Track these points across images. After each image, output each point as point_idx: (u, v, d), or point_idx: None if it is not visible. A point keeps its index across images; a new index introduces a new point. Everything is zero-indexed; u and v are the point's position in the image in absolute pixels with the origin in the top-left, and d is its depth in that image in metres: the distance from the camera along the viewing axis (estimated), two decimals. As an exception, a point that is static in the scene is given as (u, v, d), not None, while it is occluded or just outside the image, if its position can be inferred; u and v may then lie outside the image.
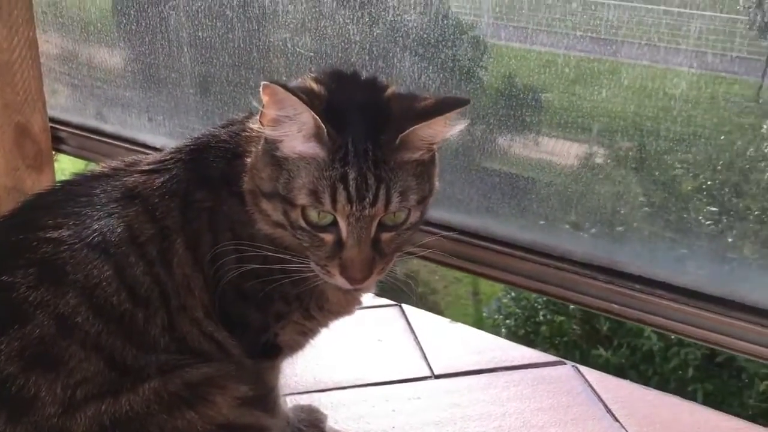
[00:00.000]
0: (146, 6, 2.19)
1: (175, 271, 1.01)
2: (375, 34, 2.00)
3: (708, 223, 2.04)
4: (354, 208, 0.90)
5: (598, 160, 2.06)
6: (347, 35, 2.00)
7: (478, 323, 6.51)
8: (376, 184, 0.90)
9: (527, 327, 5.86)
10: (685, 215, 2.08)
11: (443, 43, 1.96)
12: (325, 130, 0.90)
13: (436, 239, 1.43)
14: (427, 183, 1.01)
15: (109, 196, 1.02)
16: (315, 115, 0.90)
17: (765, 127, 1.96)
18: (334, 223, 0.94)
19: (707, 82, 1.88)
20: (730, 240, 2.00)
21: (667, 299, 1.82)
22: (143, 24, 2.24)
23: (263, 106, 0.96)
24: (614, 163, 2.09)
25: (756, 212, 1.98)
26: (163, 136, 2.31)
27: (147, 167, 1.08)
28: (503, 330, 5.97)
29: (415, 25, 1.96)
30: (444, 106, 0.98)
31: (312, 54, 2.06)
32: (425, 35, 1.96)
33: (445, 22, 1.99)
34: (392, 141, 0.92)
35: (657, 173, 2.07)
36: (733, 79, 1.85)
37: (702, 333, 1.78)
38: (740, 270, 1.87)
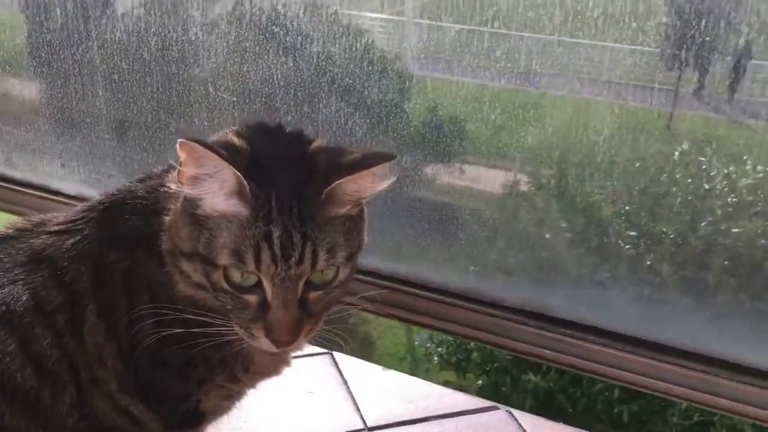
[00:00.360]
0: (59, 48, 2.12)
1: (86, 341, 0.96)
2: (299, 78, 1.98)
3: (627, 247, 2.11)
4: (279, 268, 0.87)
5: (522, 188, 2.11)
6: (271, 80, 1.98)
7: (411, 351, 6.53)
8: (302, 242, 0.87)
9: (458, 354, 5.93)
10: (605, 239, 2.15)
11: (368, 82, 1.97)
12: (248, 186, 0.87)
13: (367, 290, 1.40)
14: (356, 238, 0.98)
15: (14, 261, 0.96)
16: (236, 172, 0.86)
17: (676, 154, 2.06)
18: (259, 284, 0.90)
19: (622, 112, 1.96)
20: (648, 263, 2.07)
21: (597, 344, 1.84)
22: (55, 66, 2.15)
23: (180, 164, 0.92)
24: (536, 191, 2.14)
25: (671, 235, 2.06)
26: (77, 183, 2.23)
27: (56, 228, 1.01)
28: (435, 358, 6.00)
29: (339, 69, 1.96)
30: (370, 160, 0.96)
31: (234, 99, 2.03)
32: (350, 79, 1.96)
33: (369, 55, 2.01)
34: (318, 196, 0.90)
35: (578, 200, 2.13)
36: (646, 109, 1.93)
37: (633, 377, 1.79)
38: (666, 313, 1.93)
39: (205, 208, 0.92)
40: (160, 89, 2.07)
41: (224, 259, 0.90)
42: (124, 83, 2.10)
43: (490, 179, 2.12)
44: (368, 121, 2.03)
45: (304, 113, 1.98)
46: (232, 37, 2.00)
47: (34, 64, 2.21)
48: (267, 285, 0.89)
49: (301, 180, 0.92)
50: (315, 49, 1.95)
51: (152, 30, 2.02)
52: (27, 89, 2.33)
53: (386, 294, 1.89)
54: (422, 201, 2.11)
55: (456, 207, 2.14)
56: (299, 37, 1.94)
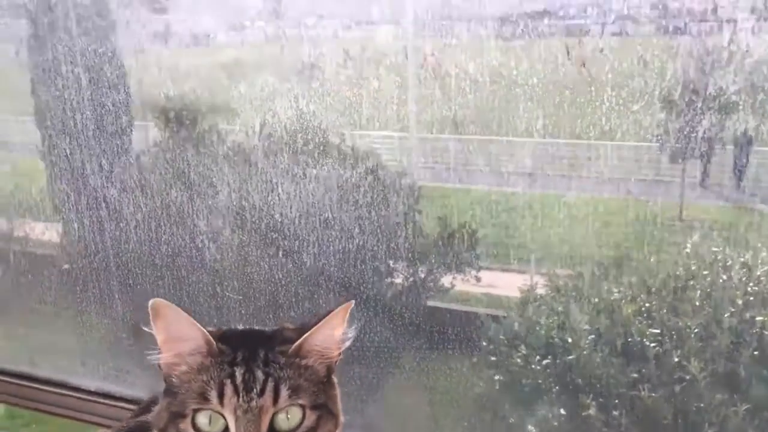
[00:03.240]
0: (75, 256, 2.31)
1: None
2: (299, 277, 2.11)
3: (652, 345, 2.06)
4: (241, 400, 0.88)
5: (540, 291, 2.10)
6: (273, 279, 2.11)
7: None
8: (264, 378, 0.91)
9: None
10: (629, 339, 2.10)
11: (363, 278, 2.11)
12: (215, 343, 0.93)
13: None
14: (323, 395, 0.99)
15: None
16: (203, 330, 0.94)
17: (689, 245, 2.06)
18: (226, 429, 0.92)
19: (631, 206, 1.98)
20: (676, 360, 2.02)
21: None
22: (74, 274, 2.35)
23: (155, 329, 0.96)
24: (554, 293, 2.13)
25: (695, 330, 2.02)
26: (97, 379, 2.30)
27: None
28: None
29: (336, 269, 2.09)
30: (328, 312, 0.99)
31: (240, 297, 2.16)
32: (344, 275, 2.09)
33: (374, 175, 2.09)
34: (285, 351, 0.95)
35: (596, 300, 2.11)
36: (654, 201, 1.96)
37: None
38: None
39: (176, 371, 0.96)
40: (172, 291, 2.21)
41: (191, 404, 0.92)
42: (138, 287, 2.24)
43: (506, 283, 2.11)
44: (366, 314, 2.10)
45: (305, 309, 2.09)
46: (236, 243, 2.19)
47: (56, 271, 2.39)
48: (231, 422, 0.90)
49: (268, 342, 0.98)
50: (312, 251, 2.09)
51: (163, 239, 2.21)
52: (50, 292, 2.46)
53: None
54: (440, 310, 2.10)
55: (474, 315, 2.12)
56: (296, 242, 2.10)
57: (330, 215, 2.08)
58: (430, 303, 2.09)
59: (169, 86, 2.31)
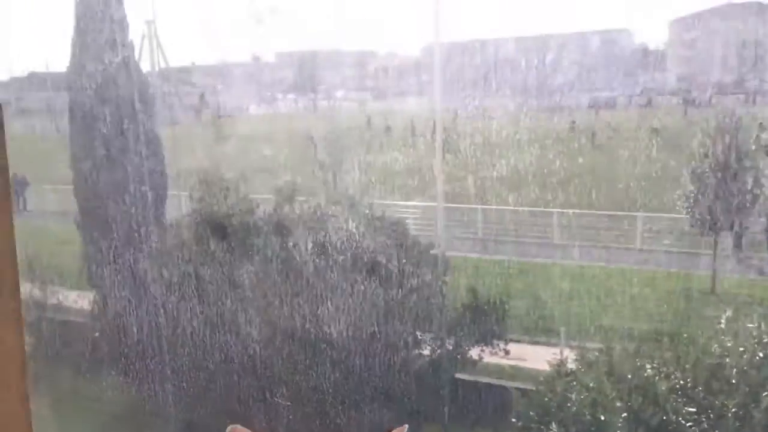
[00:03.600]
0: (134, 359, 2.49)
1: None
2: (346, 387, 2.29)
3: (689, 425, 1.98)
4: None
5: (570, 365, 2.04)
6: (320, 387, 2.28)
7: None
8: None
9: None
10: (664, 417, 2.02)
11: (407, 390, 2.27)
12: None
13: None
14: None
15: None
16: None
17: (723, 321, 2.00)
18: None
19: (661, 278, 1.95)
20: (714, 440, 1.93)
21: None
22: (131, 375, 2.54)
23: None
24: (586, 368, 2.07)
25: (733, 409, 1.95)
26: None
27: None
28: None
29: (379, 380, 2.27)
30: None
31: (289, 404, 2.30)
32: (388, 387, 2.28)
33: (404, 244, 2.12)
34: None
35: (629, 376, 2.05)
36: (686, 273, 1.92)
37: None
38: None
39: None
40: (223, 394, 2.37)
41: None
42: (192, 390, 2.41)
43: (535, 356, 2.07)
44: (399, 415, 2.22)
45: (351, 417, 2.19)
46: (285, 352, 2.31)
47: (113, 372, 2.58)
48: None
49: None
50: (357, 362, 2.20)
51: (216, 345, 2.39)
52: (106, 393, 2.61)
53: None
54: (469, 383, 2.06)
55: (503, 389, 2.07)
56: (344, 353, 2.22)
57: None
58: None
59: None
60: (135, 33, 2.85)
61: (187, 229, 2.62)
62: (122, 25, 3.02)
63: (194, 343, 2.45)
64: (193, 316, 2.43)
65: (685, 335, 1.99)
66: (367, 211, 2.24)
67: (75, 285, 2.65)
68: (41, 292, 2.56)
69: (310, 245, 2.33)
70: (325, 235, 2.28)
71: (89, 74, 2.70)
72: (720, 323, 2.00)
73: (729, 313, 1.98)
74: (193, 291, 2.44)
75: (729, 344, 2.00)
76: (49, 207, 2.79)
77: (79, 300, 2.64)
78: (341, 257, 2.29)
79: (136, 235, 2.55)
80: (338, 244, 2.25)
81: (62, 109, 2.53)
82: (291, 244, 2.42)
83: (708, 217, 1.79)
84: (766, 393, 1.91)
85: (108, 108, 2.53)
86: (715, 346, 2.00)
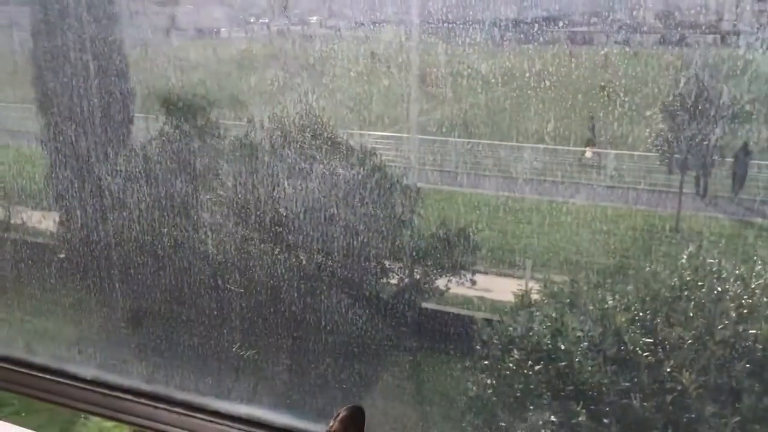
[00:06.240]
0: (79, 245, 2.30)
1: None
2: (302, 272, 2.14)
3: (645, 354, 2.06)
4: None
5: (534, 296, 2.10)
6: (275, 274, 2.13)
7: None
8: None
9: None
10: (622, 347, 2.10)
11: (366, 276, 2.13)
12: None
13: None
14: None
15: None
16: None
17: (684, 256, 2.06)
18: None
19: (628, 216, 1.99)
20: (668, 370, 2.02)
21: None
22: (74, 261, 2.35)
23: None
24: (549, 299, 2.12)
25: (689, 341, 2.02)
26: (94, 368, 2.30)
27: None
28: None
29: (339, 265, 2.11)
30: None
31: (242, 290, 2.17)
32: (348, 272, 2.11)
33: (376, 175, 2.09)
34: None
35: (590, 307, 2.11)
36: (651, 212, 1.96)
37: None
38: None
39: None
40: (173, 282, 2.22)
41: None
42: (139, 276, 2.26)
43: (501, 288, 2.11)
44: (367, 311, 2.11)
45: (307, 304, 2.10)
46: (239, 236, 2.18)
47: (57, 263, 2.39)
48: None
49: None
50: (315, 246, 2.08)
51: (165, 230, 2.21)
52: (49, 279, 2.45)
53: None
54: (436, 313, 2.10)
55: (469, 318, 2.12)
56: (300, 236, 2.09)
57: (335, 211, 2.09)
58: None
59: (178, 76, 2.29)
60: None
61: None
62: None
63: (141, 227, 2.28)
64: (141, 198, 2.25)
65: (647, 269, 2.05)
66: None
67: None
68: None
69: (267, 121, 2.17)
70: (283, 110, 2.13)
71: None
72: (682, 259, 2.06)
73: (691, 248, 2.04)
74: (140, 171, 2.25)
75: (689, 279, 2.06)
76: (11, 126, 2.73)
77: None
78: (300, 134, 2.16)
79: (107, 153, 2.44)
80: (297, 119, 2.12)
81: (26, 24, 2.44)
82: (245, 119, 2.27)
83: (676, 156, 1.84)
84: (721, 326, 1.98)
85: (69, 21, 2.42)
86: (675, 280, 2.06)
